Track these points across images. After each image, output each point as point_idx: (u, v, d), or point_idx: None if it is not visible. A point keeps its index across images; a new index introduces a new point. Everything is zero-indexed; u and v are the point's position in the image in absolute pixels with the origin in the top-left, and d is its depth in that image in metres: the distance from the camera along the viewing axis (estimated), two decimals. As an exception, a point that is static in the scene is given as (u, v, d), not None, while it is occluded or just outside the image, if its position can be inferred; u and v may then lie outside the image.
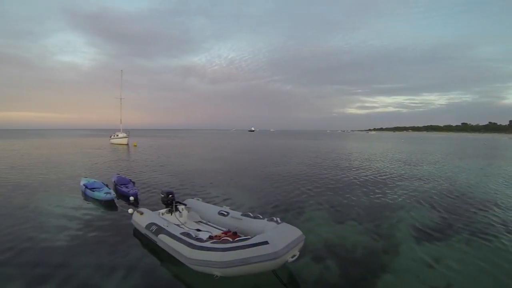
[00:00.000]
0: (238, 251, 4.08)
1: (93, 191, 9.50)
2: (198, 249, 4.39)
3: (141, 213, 6.25)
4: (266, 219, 5.40)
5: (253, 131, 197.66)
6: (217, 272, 4.20)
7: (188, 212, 6.84)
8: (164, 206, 6.83)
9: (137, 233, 6.36)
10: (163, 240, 5.18)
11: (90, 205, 8.73)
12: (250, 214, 5.83)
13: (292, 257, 4.18)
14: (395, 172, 16.10)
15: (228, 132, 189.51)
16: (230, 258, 4.06)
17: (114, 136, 42.41)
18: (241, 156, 25.72)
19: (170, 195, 6.69)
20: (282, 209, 8.48)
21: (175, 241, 4.88)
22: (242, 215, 5.87)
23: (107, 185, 10.43)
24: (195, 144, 43.50)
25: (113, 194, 8.91)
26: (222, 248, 4.20)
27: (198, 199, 7.35)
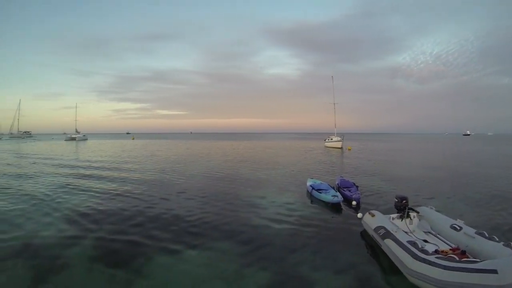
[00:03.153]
0: (460, 273, 3.92)
1: (320, 192, 10.45)
2: (420, 261, 4.43)
3: (373, 215, 6.68)
4: (502, 243, 4.91)
5: (468, 135, 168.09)
6: None
7: (419, 220, 6.74)
8: (396, 211, 6.94)
9: (364, 234, 6.86)
10: (388, 245, 5.39)
11: (316, 205, 9.71)
12: (485, 233, 5.38)
13: None
14: None
15: (440, 136, 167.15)
16: (450, 279, 3.96)
17: (328, 139, 45.92)
18: (460, 164, 22.77)
19: (404, 201, 6.76)
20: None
21: (399, 248, 5.00)
22: (475, 233, 5.48)
23: (333, 188, 11.25)
24: (408, 149, 41.57)
25: (340, 197, 9.54)
26: (445, 265, 4.12)
27: (432, 208, 7.09)
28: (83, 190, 12.30)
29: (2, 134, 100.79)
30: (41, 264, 5.60)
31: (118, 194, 11.47)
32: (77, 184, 13.87)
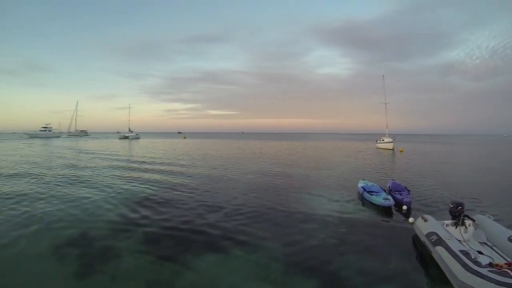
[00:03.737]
0: None
1: (371, 194, 10.25)
2: (472, 273, 4.20)
3: (425, 220, 6.46)
4: None
5: None
6: None
7: (475, 229, 6.39)
8: (451, 217, 6.70)
9: (415, 240, 6.67)
10: (439, 252, 5.19)
11: (366, 208, 9.62)
12: None
13: None
14: None
15: (498, 138, 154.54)
16: None
17: (380, 140, 44.71)
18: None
19: (459, 207, 6.49)
20: None
21: (451, 257, 4.79)
22: None
23: (385, 190, 10.96)
24: (463, 151, 39.47)
25: (391, 200, 9.32)
26: (498, 280, 3.89)
27: (489, 217, 6.63)
28: (139, 184, 13.43)
29: (61, 132, 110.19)
30: (94, 249, 6.20)
31: (171, 189, 12.27)
32: (134, 177, 15.15)
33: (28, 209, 9.18)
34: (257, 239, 6.78)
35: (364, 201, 10.37)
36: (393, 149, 39.54)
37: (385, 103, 45.66)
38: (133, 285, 4.84)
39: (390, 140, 41.65)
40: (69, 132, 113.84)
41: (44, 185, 13.03)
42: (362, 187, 11.32)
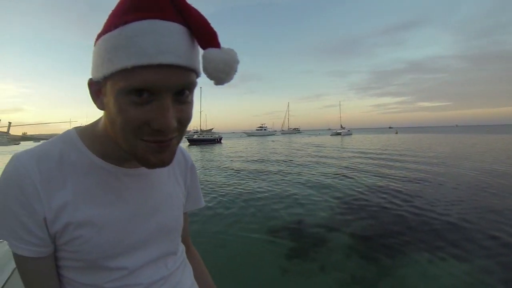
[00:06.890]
0: None
1: None
2: None
3: None
4: None
5: None
6: None
7: None
8: None
9: None
10: None
11: None
12: None
13: None
14: None
15: None
16: None
17: None
18: None
19: None
20: None
21: None
22: None
23: None
24: None
25: None
26: None
27: None
28: (360, 180, 12.82)
29: (275, 130, 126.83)
30: (309, 238, 6.54)
31: (391, 191, 10.86)
32: (348, 174, 14.58)
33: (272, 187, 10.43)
34: (467, 253, 5.80)
35: None
36: None
37: None
38: (340, 276, 5.05)
39: None
40: (283, 130, 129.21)
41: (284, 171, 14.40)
42: None
